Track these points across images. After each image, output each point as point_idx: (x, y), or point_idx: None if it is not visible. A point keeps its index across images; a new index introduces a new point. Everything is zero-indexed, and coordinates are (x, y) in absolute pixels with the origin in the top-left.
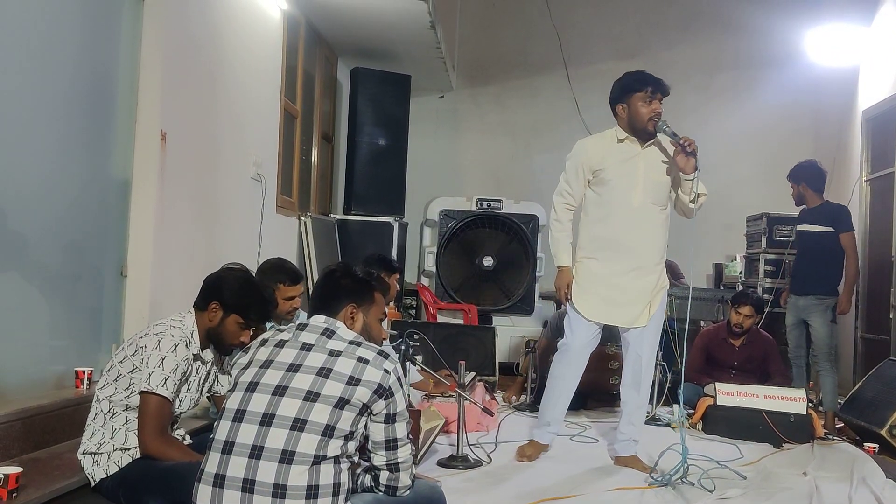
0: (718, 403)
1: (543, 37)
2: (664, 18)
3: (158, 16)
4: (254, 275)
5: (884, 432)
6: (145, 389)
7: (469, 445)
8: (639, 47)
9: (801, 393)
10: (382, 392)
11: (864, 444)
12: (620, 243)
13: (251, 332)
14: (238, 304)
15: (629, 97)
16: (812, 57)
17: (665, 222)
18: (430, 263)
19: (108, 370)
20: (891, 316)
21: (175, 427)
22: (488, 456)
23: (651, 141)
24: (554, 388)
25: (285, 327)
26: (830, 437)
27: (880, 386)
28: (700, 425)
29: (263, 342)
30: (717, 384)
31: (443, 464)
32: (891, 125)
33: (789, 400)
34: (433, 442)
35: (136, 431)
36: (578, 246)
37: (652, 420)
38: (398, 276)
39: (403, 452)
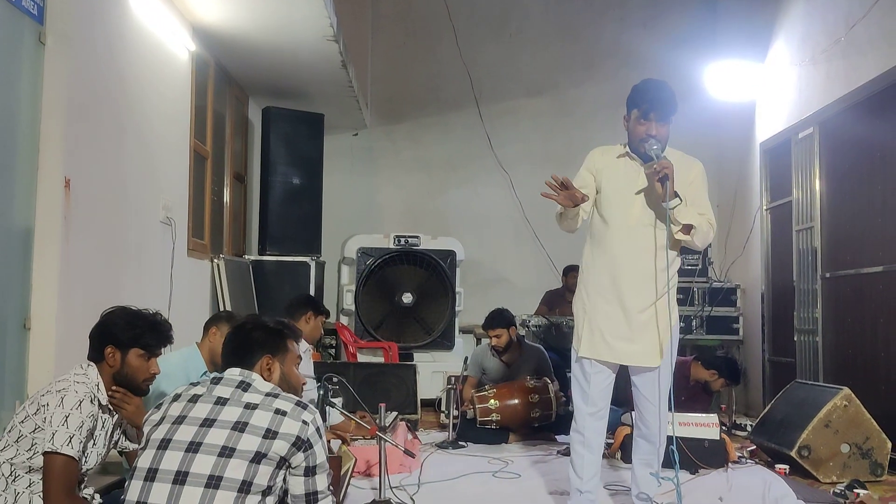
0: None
1: (455, 74)
2: (569, 56)
3: (60, 58)
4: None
5: (793, 454)
6: (49, 450)
7: (392, 488)
8: (547, 85)
9: (714, 418)
10: (301, 444)
11: (776, 465)
12: (618, 266)
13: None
14: (131, 335)
15: (630, 112)
16: (711, 92)
17: (668, 249)
18: (348, 302)
19: (9, 431)
20: (795, 339)
21: (82, 486)
22: (411, 498)
23: (650, 163)
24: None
25: (199, 382)
26: (744, 460)
27: (789, 408)
28: (619, 454)
29: (176, 397)
30: (633, 413)
31: None
32: (786, 156)
33: (702, 426)
34: (349, 485)
35: (42, 494)
36: (580, 279)
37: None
38: (325, 319)
39: None
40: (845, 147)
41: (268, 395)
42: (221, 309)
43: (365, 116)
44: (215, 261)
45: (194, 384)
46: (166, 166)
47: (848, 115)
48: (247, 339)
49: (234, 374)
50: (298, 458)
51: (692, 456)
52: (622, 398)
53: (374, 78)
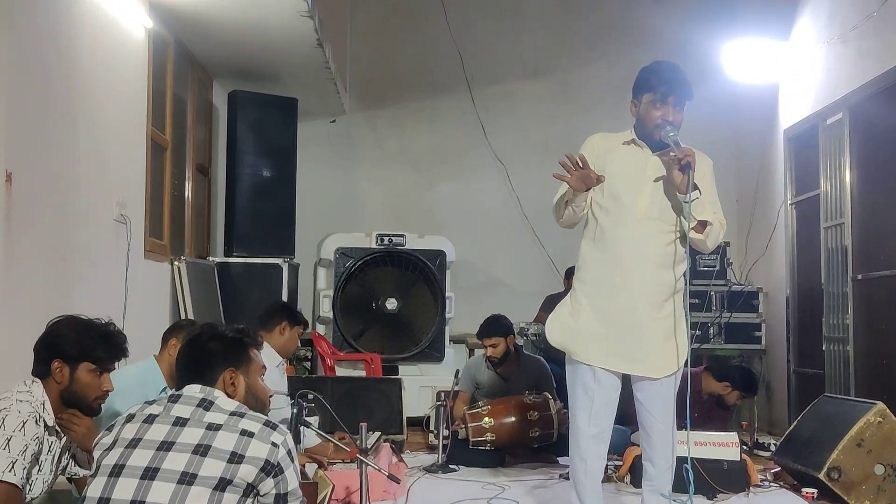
0: None
1: (444, 54)
2: (573, 34)
3: (0, 40)
4: None
5: (822, 476)
6: None
7: None
8: (547, 66)
9: (734, 437)
10: (270, 469)
11: (803, 489)
12: (623, 263)
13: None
14: (81, 349)
15: (640, 96)
16: (729, 73)
17: (678, 245)
18: (325, 309)
19: None
20: (823, 348)
21: None
22: None
23: (663, 150)
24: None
25: (155, 400)
26: (768, 483)
27: (817, 425)
28: (628, 478)
29: (130, 418)
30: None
31: None
32: (813, 145)
33: (721, 445)
34: None
35: None
36: (576, 276)
37: None
38: (302, 330)
39: None
40: (879, 134)
41: (233, 414)
42: (182, 317)
43: (343, 101)
44: (176, 263)
45: (150, 403)
46: (120, 158)
47: (881, 99)
48: (204, 352)
49: (194, 391)
50: (268, 485)
51: (709, 479)
52: (629, 415)
53: (354, 58)
